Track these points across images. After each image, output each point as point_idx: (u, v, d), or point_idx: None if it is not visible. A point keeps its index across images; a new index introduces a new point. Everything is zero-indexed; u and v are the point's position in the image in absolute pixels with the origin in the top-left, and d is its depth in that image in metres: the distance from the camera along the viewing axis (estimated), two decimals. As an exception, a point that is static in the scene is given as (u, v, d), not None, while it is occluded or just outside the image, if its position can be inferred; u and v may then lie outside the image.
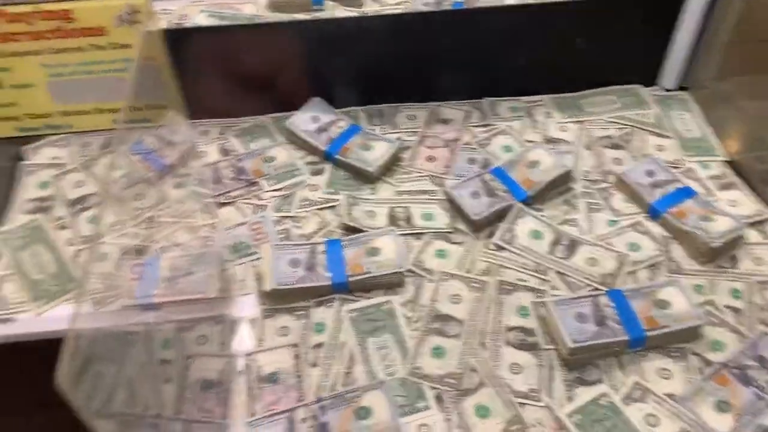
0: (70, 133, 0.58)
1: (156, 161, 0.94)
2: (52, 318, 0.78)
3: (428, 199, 0.89)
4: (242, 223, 0.87)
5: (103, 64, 0.54)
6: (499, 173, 0.89)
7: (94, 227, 0.87)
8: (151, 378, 0.72)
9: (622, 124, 0.99)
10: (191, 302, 0.79)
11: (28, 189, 0.92)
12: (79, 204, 0.90)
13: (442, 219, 0.87)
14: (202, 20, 1.18)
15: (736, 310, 0.77)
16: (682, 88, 1.05)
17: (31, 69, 0.54)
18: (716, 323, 0.76)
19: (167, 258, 0.83)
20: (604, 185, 0.91)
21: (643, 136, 0.97)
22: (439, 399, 0.70)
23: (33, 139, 0.95)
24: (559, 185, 0.90)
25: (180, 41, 0.92)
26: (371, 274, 0.78)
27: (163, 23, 1.17)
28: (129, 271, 0.82)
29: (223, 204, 0.89)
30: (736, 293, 0.79)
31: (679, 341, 0.74)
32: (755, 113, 1.00)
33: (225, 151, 0.96)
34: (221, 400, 0.70)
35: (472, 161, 0.94)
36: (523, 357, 0.73)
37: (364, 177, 0.92)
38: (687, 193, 0.86)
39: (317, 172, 0.93)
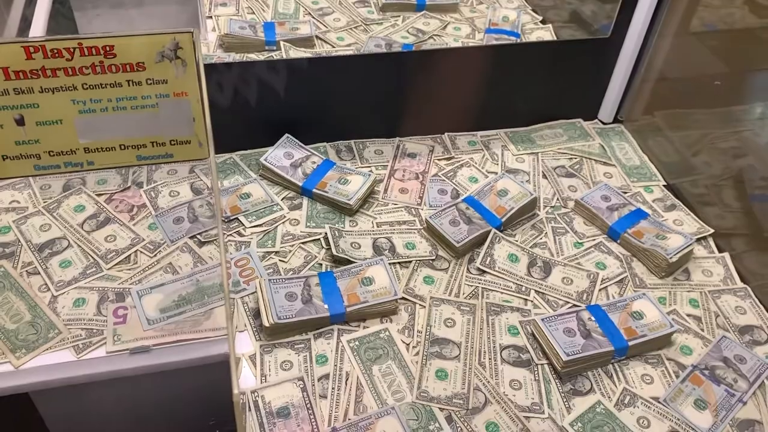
0: (90, 170, 0.57)
1: (126, 201, 0.92)
2: (32, 369, 0.74)
3: (408, 229, 0.92)
4: (226, 261, 0.86)
5: (136, 99, 0.54)
6: (472, 202, 0.94)
7: (68, 271, 0.83)
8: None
9: (571, 154, 1.08)
10: (185, 342, 0.77)
11: (-13, 235, 0.87)
12: (47, 248, 0.85)
13: (423, 247, 0.90)
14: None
15: (696, 318, 0.85)
16: (617, 122, 1.16)
17: (60, 105, 0.52)
18: (682, 330, 0.83)
19: (151, 299, 0.80)
20: (564, 210, 0.98)
21: (592, 165, 1.06)
22: (449, 419, 0.72)
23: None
24: (527, 212, 0.96)
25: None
26: (368, 303, 0.80)
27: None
28: (112, 315, 0.80)
29: (204, 242, 0.88)
30: (693, 302, 0.87)
31: (654, 348, 0.81)
32: (680, 142, 1.12)
33: (197, 190, 0.95)
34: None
35: (442, 192, 0.99)
36: (521, 373, 0.77)
37: (343, 210, 0.94)
38: (640, 214, 0.95)
39: (295, 207, 0.94)
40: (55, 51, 0.49)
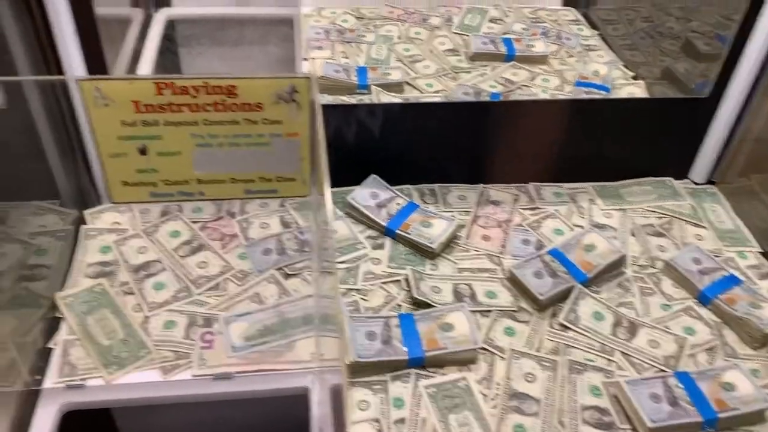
0: (201, 200, 0.60)
1: (219, 230, 0.96)
2: (123, 385, 0.77)
3: (489, 277, 0.92)
4: (310, 295, 0.87)
5: (251, 137, 0.56)
6: (558, 255, 0.93)
7: (161, 293, 0.86)
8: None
9: (661, 213, 1.05)
10: (266, 372, 0.78)
11: (90, 253, 0.92)
12: (143, 270, 0.89)
13: (504, 297, 0.90)
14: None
15: (793, 395, 0.81)
16: (710, 183, 1.13)
17: (181, 138, 0.56)
18: (777, 407, 0.79)
19: (237, 327, 0.83)
20: (651, 270, 0.96)
21: (682, 226, 1.03)
22: (526, 477, 0.70)
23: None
24: (613, 269, 0.94)
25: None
26: (448, 350, 0.80)
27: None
28: (199, 340, 0.82)
29: (289, 275, 0.90)
30: (790, 378, 0.83)
31: (746, 424, 0.77)
32: (778, 209, 1.08)
33: (286, 224, 0.98)
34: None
35: (526, 242, 0.98)
36: (602, 436, 0.75)
37: (424, 253, 0.94)
38: (734, 280, 0.92)
39: (378, 247, 0.95)
40: (183, 88, 0.53)
